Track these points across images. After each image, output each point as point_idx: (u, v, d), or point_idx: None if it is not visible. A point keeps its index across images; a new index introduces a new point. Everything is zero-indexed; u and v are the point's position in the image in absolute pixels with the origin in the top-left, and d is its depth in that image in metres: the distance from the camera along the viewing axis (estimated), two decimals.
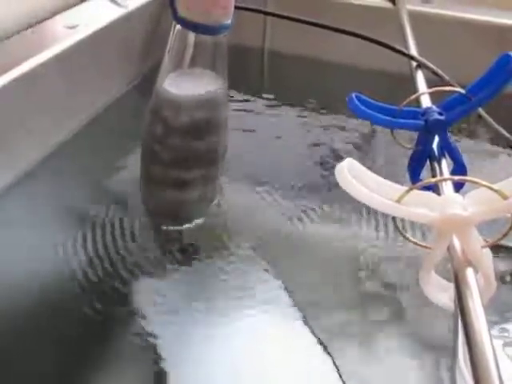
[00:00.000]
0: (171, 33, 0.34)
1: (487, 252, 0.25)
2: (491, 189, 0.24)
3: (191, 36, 0.33)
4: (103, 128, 0.50)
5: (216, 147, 0.38)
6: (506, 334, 0.34)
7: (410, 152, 0.35)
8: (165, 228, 0.40)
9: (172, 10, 0.32)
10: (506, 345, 0.33)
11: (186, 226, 0.40)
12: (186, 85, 0.35)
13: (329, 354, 0.33)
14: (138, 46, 0.57)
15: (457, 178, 0.30)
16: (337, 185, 0.25)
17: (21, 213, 0.40)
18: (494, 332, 0.33)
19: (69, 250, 0.38)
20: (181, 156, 0.37)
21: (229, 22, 0.33)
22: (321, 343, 0.33)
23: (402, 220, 0.26)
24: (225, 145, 0.39)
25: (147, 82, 0.56)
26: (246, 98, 0.58)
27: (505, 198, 0.24)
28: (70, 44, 0.46)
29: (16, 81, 0.41)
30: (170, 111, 0.35)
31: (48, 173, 0.44)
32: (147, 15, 0.58)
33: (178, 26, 0.33)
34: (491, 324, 0.25)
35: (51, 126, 0.46)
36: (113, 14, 0.53)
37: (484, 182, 0.24)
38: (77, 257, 0.38)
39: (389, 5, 0.59)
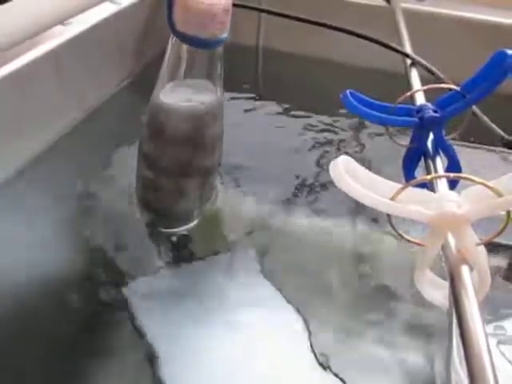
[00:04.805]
0: (169, 44, 0.34)
1: (482, 250, 0.25)
2: (486, 186, 0.24)
3: (188, 48, 0.33)
4: (97, 126, 0.50)
5: (212, 155, 0.38)
6: (500, 332, 0.33)
7: (404, 149, 0.35)
8: (161, 230, 0.40)
9: (169, 23, 0.32)
10: (500, 342, 0.33)
11: (182, 228, 0.40)
12: (182, 95, 0.35)
13: (326, 357, 0.33)
14: (131, 43, 0.57)
15: (452, 175, 0.30)
16: (332, 182, 0.25)
17: (13, 210, 0.40)
18: (489, 329, 0.33)
19: (63, 250, 0.38)
20: (177, 165, 0.37)
21: (225, 35, 0.33)
22: (317, 343, 0.33)
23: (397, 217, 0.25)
24: (220, 153, 0.39)
25: (141, 79, 0.57)
26: (240, 95, 0.58)
27: (500, 195, 0.24)
28: (63, 40, 0.46)
29: (8, 77, 0.41)
30: (166, 121, 0.36)
31: (40, 172, 0.44)
32: (141, 12, 0.57)
33: (175, 38, 0.33)
34: (486, 321, 0.25)
35: (43, 123, 0.45)
36: (106, 10, 0.52)
37: (479, 179, 0.24)
38: (72, 256, 0.37)
39: (383, 3, 0.59)
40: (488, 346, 0.20)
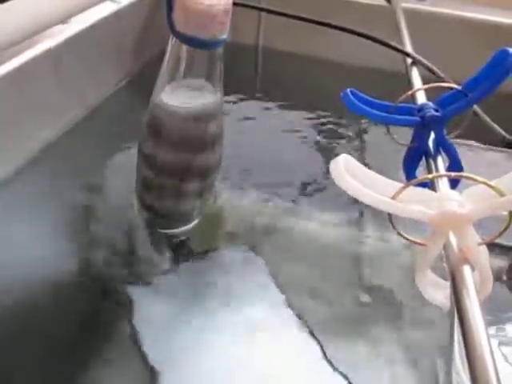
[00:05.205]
0: (168, 44, 0.34)
1: (484, 249, 0.25)
2: (488, 185, 0.24)
3: (187, 48, 0.33)
4: (96, 125, 0.49)
5: (212, 156, 0.38)
6: (502, 333, 0.33)
7: (405, 149, 0.35)
8: (161, 230, 0.40)
9: (169, 24, 0.32)
10: (501, 344, 0.33)
11: (182, 228, 0.40)
12: (182, 96, 0.35)
13: (326, 357, 0.33)
14: (130, 43, 0.57)
15: (454, 174, 0.29)
16: (333, 182, 0.25)
17: (12, 210, 0.40)
18: (490, 331, 0.33)
19: (63, 250, 0.38)
20: (177, 165, 0.37)
21: (225, 36, 0.33)
22: (318, 343, 0.33)
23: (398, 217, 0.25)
24: (221, 153, 0.39)
25: (139, 79, 0.56)
26: (240, 95, 0.57)
27: (502, 194, 0.23)
28: (62, 39, 0.46)
29: (7, 76, 0.41)
30: (166, 122, 0.35)
31: (39, 172, 0.43)
32: (140, 12, 0.57)
33: (175, 39, 0.33)
34: (487, 323, 0.25)
35: (41, 123, 0.45)
36: (106, 9, 0.52)
37: (481, 179, 0.24)
38: (71, 256, 0.37)
39: (384, 3, 0.59)
40: (490, 346, 0.20)
